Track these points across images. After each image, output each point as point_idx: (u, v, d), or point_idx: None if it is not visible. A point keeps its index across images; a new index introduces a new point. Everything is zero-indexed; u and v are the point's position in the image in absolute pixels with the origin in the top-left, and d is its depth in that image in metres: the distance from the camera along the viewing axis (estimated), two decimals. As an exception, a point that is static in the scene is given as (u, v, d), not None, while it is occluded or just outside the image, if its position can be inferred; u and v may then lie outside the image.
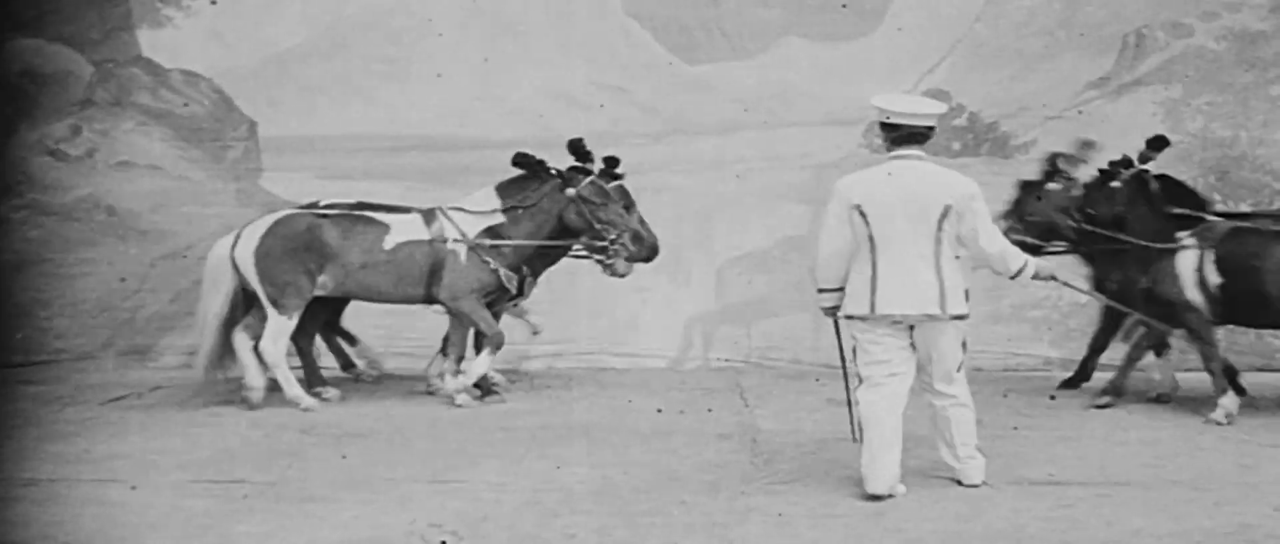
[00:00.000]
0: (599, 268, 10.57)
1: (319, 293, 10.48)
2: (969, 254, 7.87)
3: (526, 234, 10.33)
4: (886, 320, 7.72)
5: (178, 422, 10.03)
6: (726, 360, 12.50)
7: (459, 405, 10.33)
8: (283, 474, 8.36)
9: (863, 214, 7.68)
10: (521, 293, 10.66)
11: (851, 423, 8.34)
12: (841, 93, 12.30)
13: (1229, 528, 7.15)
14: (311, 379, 10.79)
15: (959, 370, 7.92)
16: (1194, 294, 9.81)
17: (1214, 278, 9.77)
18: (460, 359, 10.54)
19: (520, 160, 10.42)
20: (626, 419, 10.00)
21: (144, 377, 11.92)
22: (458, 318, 10.44)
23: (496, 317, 10.65)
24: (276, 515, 7.46)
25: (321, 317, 11.05)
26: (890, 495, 7.75)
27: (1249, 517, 7.33)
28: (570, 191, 10.28)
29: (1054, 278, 8.32)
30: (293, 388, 10.43)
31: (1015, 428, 9.56)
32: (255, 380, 10.43)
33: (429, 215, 10.47)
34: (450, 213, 10.45)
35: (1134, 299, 10.01)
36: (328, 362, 11.30)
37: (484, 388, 10.66)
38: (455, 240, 10.30)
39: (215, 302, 10.60)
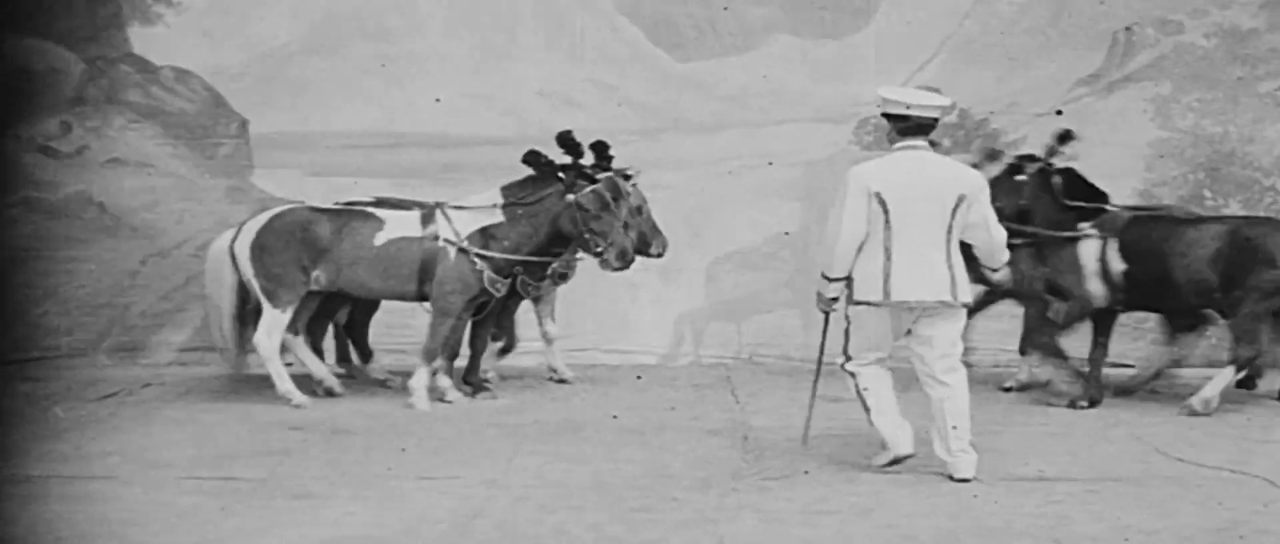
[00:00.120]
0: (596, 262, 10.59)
1: (314, 288, 10.48)
2: (971, 242, 8.12)
3: (522, 235, 10.22)
4: (899, 308, 7.90)
5: (169, 418, 10.02)
6: (717, 357, 12.51)
7: (449, 402, 10.34)
8: (274, 471, 8.36)
9: (882, 202, 7.83)
10: (520, 295, 10.67)
11: (806, 425, 8.69)
12: (832, 90, 12.33)
13: (1218, 523, 7.17)
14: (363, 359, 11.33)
15: (960, 358, 8.09)
16: (1094, 284, 10.16)
17: (1118, 265, 10.10)
18: (455, 356, 10.54)
19: (529, 159, 10.27)
20: (618, 415, 10.01)
21: (135, 373, 11.91)
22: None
23: (508, 312, 10.88)
24: (268, 512, 7.47)
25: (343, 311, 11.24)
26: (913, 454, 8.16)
27: (1238, 512, 7.35)
28: (569, 197, 10.12)
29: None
30: (284, 383, 10.43)
31: (1005, 424, 9.58)
32: (319, 370, 10.79)
33: (428, 213, 10.45)
34: (449, 211, 10.39)
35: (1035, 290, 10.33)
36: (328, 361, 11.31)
37: (475, 385, 10.68)
38: (446, 240, 10.26)
39: (220, 296, 10.69)
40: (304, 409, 10.24)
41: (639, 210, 10.42)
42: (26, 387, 11.22)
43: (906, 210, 7.83)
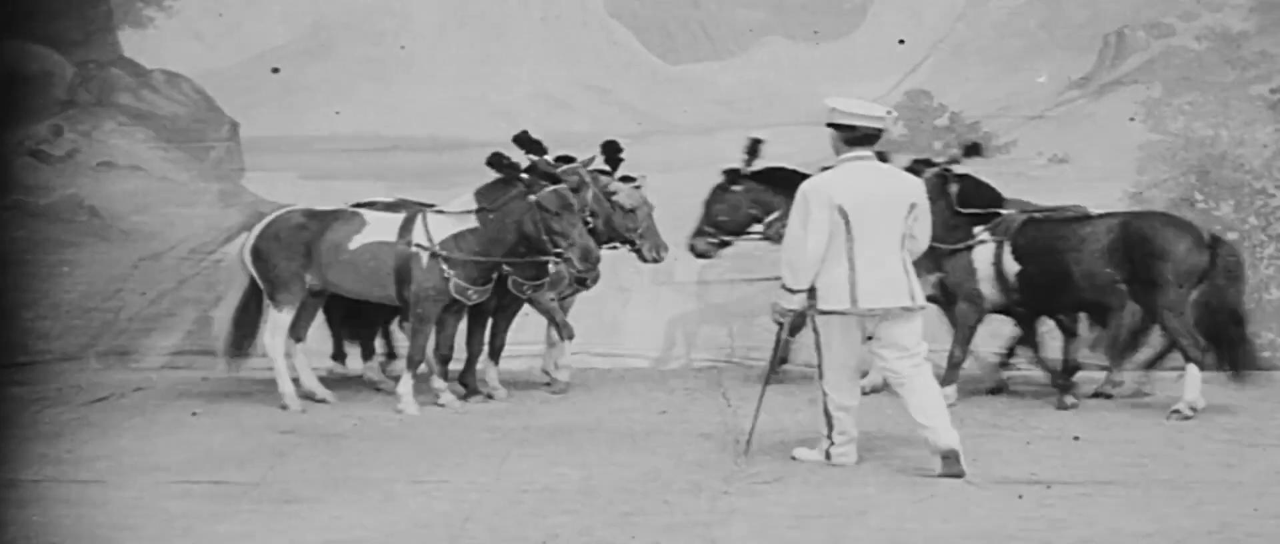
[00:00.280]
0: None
1: (313, 289, 10.55)
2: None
3: (490, 240, 10.14)
4: (865, 315, 8.11)
5: (160, 422, 10.02)
6: (709, 360, 12.51)
7: (442, 404, 10.34)
8: (266, 475, 8.35)
9: (845, 213, 8.02)
10: (519, 298, 10.69)
11: (751, 432, 8.83)
12: (823, 93, 12.29)
13: (1210, 527, 7.16)
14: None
15: (924, 356, 8.31)
16: (987, 287, 10.39)
17: (1013, 266, 10.30)
18: (447, 360, 10.54)
19: (492, 161, 10.15)
20: (609, 419, 10.01)
21: (126, 377, 11.90)
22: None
23: (505, 315, 10.91)
24: (258, 516, 7.45)
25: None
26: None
27: (1230, 516, 7.34)
28: (531, 198, 10.01)
29: None
30: (284, 383, 10.47)
31: (998, 427, 9.59)
32: (309, 381, 10.74)
33: (410, 217, 10.43)
34: (430, 216, 10.36)
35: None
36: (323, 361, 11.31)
37: (470, 387, 10.68)
38: (418, 245, 10.24)
39: (229, 295, 10.80)
40: (293, 413, 10.27)
41: (634, 213, 10.43)
42: (17, 391, 11.21)
43: (866, 220, 8.06)
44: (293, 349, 10.68)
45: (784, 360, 10.85)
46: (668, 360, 12.60)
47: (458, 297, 10.17)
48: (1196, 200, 12.30)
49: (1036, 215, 10.51)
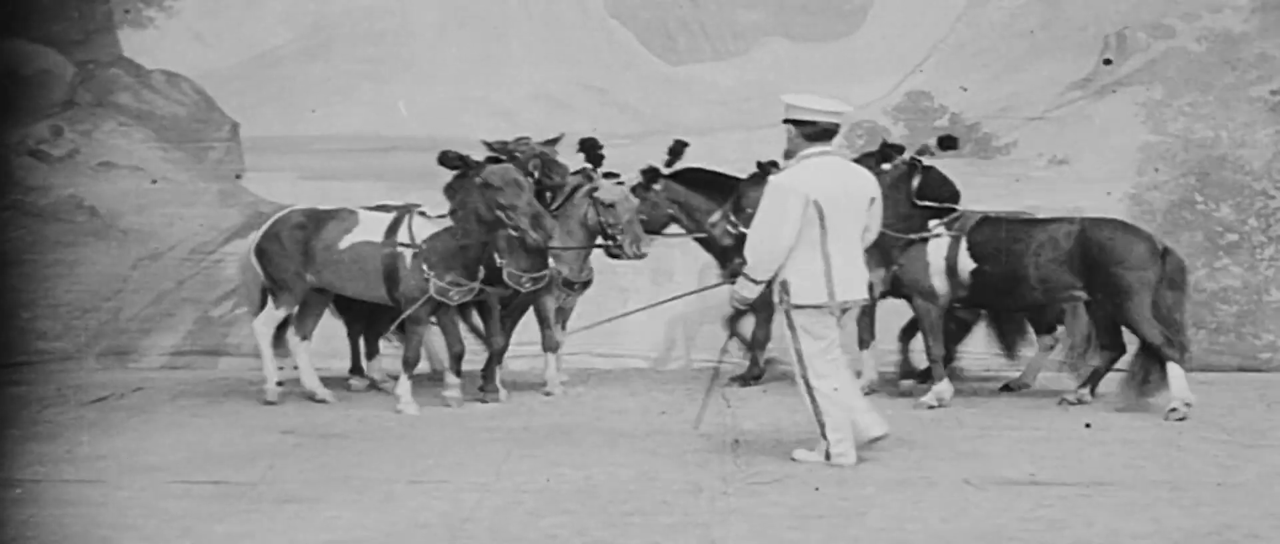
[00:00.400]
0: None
1: (317, 287, 10.64)
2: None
3: (463, 235, 10.23)
4: (839, 307, 8.34)
5: (159, 422, 10.02)
6: (709, 361, 12.49)
7: (449, 405, 10.37)
8: (265, 474, 8.35)
9: (819, 208, 8.19)
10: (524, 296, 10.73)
11: (701, 411, 9.19)
12: (823, 93, 12.30)
13: (1209, 528, 7.15)
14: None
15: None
16: (939, 282, 10.46)
17: (969, 264, 10.38)
18: (460, 357, 10.56)
19: (441, 159, 10.22)
20: (609, 419, 10.01)
21: (126, 377, 11.91)
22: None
23: (519, 309, 10.99)
24: (258, 516, 7.45)
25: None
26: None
27: (1229, 517, 7.34)
28: (476, 178, 10.03)
29: None
30: (268, 369, 10.63)
31: (997, 427, 9.59)
32: (309, 381, 10.74)
33: (398, 217, 10.45)
34: (417, 216, 10.37)
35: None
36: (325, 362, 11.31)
37: (487, 385, 10.72)
38: (400, 245, 10.27)
39: (249, 297, 10.99)
40: (274, 405, 10.44)
41: (613, 208, 10.44)
42: (16, 391, 11.21)
43: (838, 214, 8.26)
44: (298, 347, 10.72)
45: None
46: (667, 360, 12.59)
47: (438, 297, 10.17)
48: (1196, 202, 12.29)
49: (990, 215, 10.58)
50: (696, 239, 11.37)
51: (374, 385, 11.24)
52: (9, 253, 12.49)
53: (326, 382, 10.84)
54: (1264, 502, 7.64)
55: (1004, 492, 7.84)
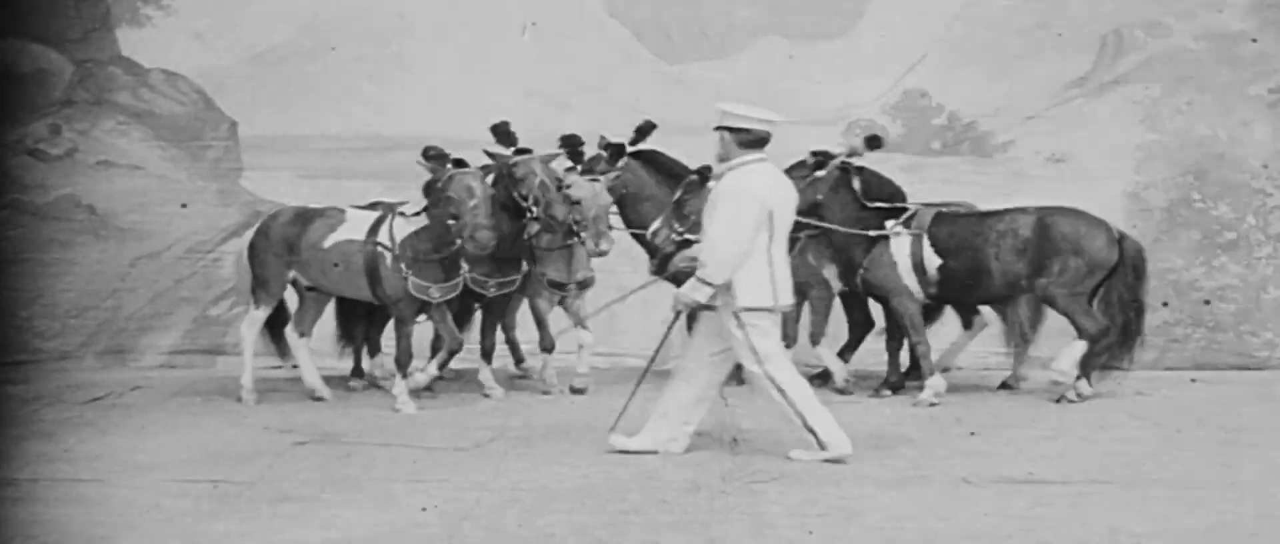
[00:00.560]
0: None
1: (302, 283, 10.66)
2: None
3: (438, 235, 10.14)
4: (781, 311, 8.55)
5: (157, 421, 10.02)
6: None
7: (488, 395, 10.67)
8: (263, 474, 8.35)
9: (771, 214, 8.37)
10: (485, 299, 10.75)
11: (621, 413, 9.04)
12: (820, 92, 12.35)
13: (1208, 526, 7.16)
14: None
15: None
16: (910, 279, 10.54)
17: (934, 260, 10.48)
18: (452, 355, 10.58)
19: (424, 154, 10.25)
20: (607, 419, 9.99)
21: (124, 376, 11.91)
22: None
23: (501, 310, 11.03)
24: (256, 515, 7.45)
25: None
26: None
27: (1228, 515, 7.35)
28: (438, 184, 10.08)
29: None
30: (246, 376, 10.65)
31: (995, 425, 9.59)
32: (310, 377, 10.76)
33: (382, 217, 10.46)
34: (399, 215, 10.38)
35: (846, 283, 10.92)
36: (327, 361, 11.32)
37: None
38: (379, 245, 10.27)
39: (241, 293, 10.99)
40: (250, 404, 10.50)
41: (580, 204, 10.41)
42: (14, 390, 11.21)
43: (779, 221, 8.43)
44: (298, 344, 10.74)
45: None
46: (666, 360, 12.57)
47: (418, 295, 10.19)
48: (1194, 200, 12.30)
49: (943, 210, 10.67)
50: (634, 235, 11.24)
51: (374, 384, 11.24)
52: (7, 252, 12.48)
53: (326, 381, 10.83)
54: (1264, 501, 7.64)
55: (1003, 490, 7.85)
